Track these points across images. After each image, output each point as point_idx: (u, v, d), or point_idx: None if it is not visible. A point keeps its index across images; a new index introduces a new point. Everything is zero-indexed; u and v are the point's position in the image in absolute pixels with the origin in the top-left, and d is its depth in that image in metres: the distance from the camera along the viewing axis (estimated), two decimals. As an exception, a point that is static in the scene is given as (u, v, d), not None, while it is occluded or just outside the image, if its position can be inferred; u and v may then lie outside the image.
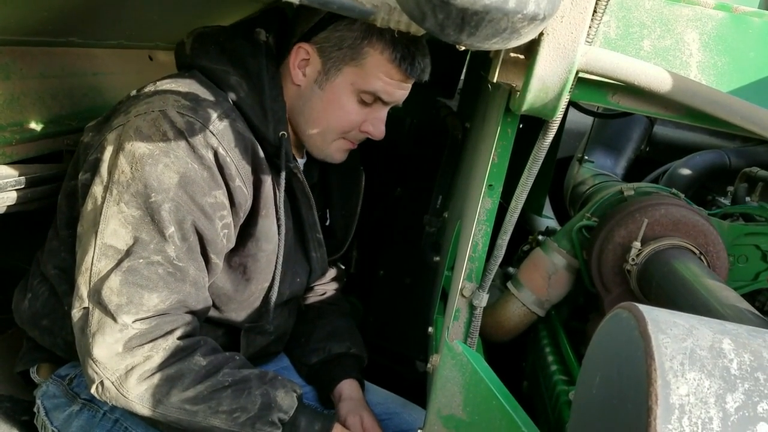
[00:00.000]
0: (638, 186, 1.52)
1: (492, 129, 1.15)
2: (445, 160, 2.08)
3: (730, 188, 2.00)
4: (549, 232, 1.90)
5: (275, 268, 1.38)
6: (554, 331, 1.57)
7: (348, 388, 1.53)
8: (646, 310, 0.64)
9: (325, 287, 1.73)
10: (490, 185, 1.14)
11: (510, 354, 1.68)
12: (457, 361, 1.02)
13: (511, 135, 1.11)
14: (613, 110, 2.29)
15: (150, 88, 1.25)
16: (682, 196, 1.48)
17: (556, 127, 0.93)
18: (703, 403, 0.55)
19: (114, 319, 1.11)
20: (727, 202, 1.99)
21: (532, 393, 1.59)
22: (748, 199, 1.88)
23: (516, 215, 1.07)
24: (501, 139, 1.09)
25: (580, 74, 0.90)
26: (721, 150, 2.29)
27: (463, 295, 1.18)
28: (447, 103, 2.29)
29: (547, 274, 1.49)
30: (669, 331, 0.61)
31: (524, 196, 1.04)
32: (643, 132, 2.37)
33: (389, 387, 1.70)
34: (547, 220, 2.31)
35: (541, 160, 0.98)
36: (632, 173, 2.36)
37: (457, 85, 2.37)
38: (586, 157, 2.18)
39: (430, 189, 2.19)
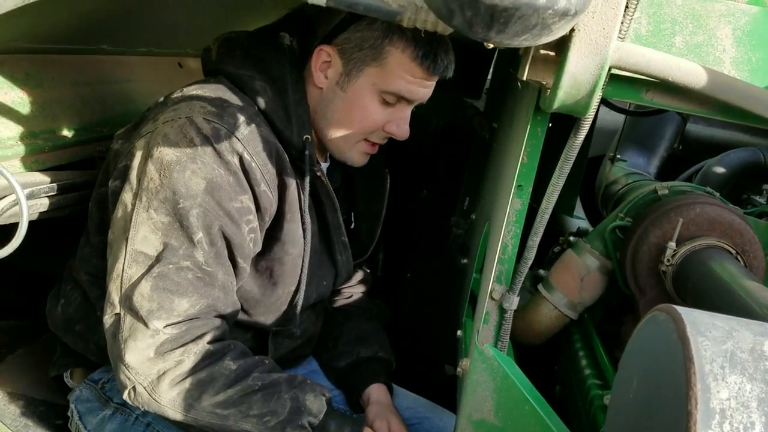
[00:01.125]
0: (672, 185, 1.48)
1: (521, 128, 1.13)
2: (472, 161, 2.06)
3: (766, 186, 1.95)
4: (581, 233, 1.87)
5: (301, 272, 1.38)
6: (587, 334, 1.54)
7: (376, 392, 1.52)
8: (684, 312, 0.62)
9: (352, 290, 1.73)
10: (520, 186, 1.12)
11: (542, 357, 1.65)
12: (487, 365, 1.01)
13: (540, 134, 1.09)
14: (645, 108, 2.25)
15: (177, 94, 1.25)
16: (718, 194, 1.45)
17: (588, 126, 0.91)
18: (744, 407, 0.53)
19: (146, 324, 1.12)
20: (762, 200, 1.94)
21: (565, 397, 1.56)
22: (785, 197, 1.84)
23: (547, 216, 1.05)
24: (530, 139, 1.08)
25: (613, 71, 0.88)
26: (756, 147, 2.23)
27: (492, 298, 1.16)
28: (474, 103, 2.27)
29: (579, 275, 1.47)
30: (708, 334, 0.59)
31: (555, 196, 1.02)
32: (675, 130, 2.32)
33: (418, 391, 1.68)
34: (579, 220, 2.27)
35: (573, 160, 0.96)
36: (665, 172, 2.31)
37: (483, 85, 2.35)
38: (618, 156, 2.14)
39: (457, 190, 2.18)
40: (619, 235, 1.43)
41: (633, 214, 1.45)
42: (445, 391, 1.80)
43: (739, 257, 1.25)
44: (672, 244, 1.25)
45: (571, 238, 1.77)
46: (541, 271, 1.64)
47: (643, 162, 2.22)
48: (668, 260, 1.25)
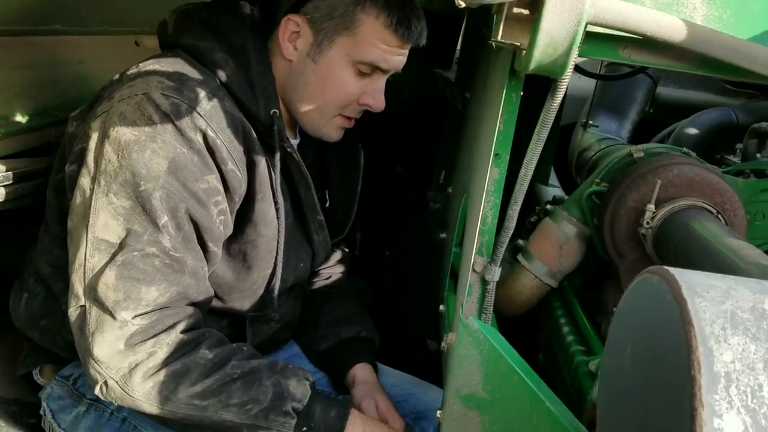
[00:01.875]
0: (648, 147, 1.47)
1: (496, 95, 1.10)
2: (446, 133, 2.03)
3: (739, 146, 1.95)
4: (556, 201, 1.86)
5: (276, 254, 1.33)
6: (568, 301, 1.53)
7: (361, 372, 1.49)
8: (677, 272, 0.59)
9: (330, 271, 1.69)
10: (497, 154, 1.09)
11: (523, 327, 1.64)
12: (473, 338, 0.98)
13: (516, 100, 1.06)
14: (618, 71, 2.23)
15: (133, 70, 1.19)
16: (694, 154, 1.44)
17: (565, 87, 0.88)
18: (750, 369, 0.51)
19: (112, 316, 1.07)
20: (736, 159, 1.94)
21: (549, 365, 1.56)
22: (758, 155, 1.84)
23: (526, 183, 1.02)
24: (506, 105, 1.04)
25: (589, 28, 0.85)
26: (728, 107, 2.23)
27: (474, 271, 1.14)
28: (444, 74, 2.23)
29: (558, 244, 1.46)
30: (705, 294, 0.56)
31: (534, 163, 0.99)
32: (647, 93, 2.31)
33: (402, 367, 1.67)
34: (553, 189, 2.26)
35: (551, 124, 0.93)
36: (637, 136, 2.30)
37: (453, 55, 2.31)
38: (590, 122, 2.12)
39: (432, 164, 2.15)
40: (596, 200, 1.42)
41: (609, 179, 1.43)
42: (430, 366, 1.79)
43: (719, 216, 1.24)
44: (651, 207, 1.24)
45: (548, 207, 1.76)
46: (520, 241, 1.63)
47: (616, 127, 2.20)
48: (647, 223, 1.24)
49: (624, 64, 2.18)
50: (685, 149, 1.46)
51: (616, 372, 0.67)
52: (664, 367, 0.55)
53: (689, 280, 0.58)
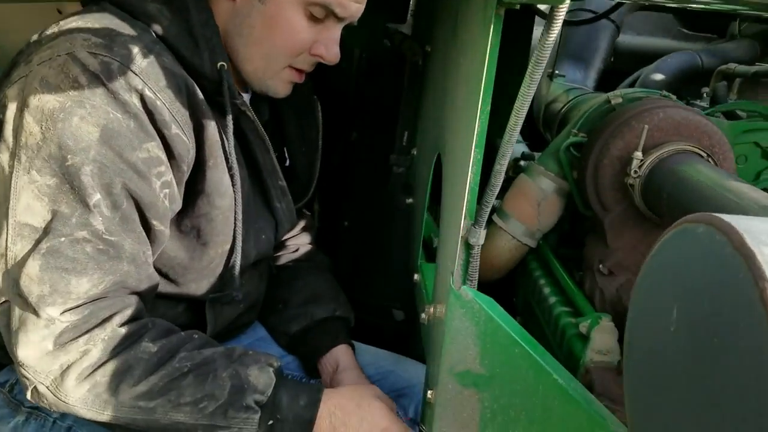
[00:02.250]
0: (625, 93, 1.39)
1: (477, 39, 0.98)
2: (406, 92, 1.91)
3: (705, 89, 1.90)
4: (527, 157, 1.77)
5: (234, 227, 1.20)
6: (546, 261, 1.46)
7: (343, 356, 1.38)
8: (732, 219, 0.50)
9: (296, 242, 1.56)
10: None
11: (496, 289, 1.57)
12: (467, 309, 0.88)
13: (496, 44, 0.94)
14: (578, 17, 2.14)
15: (53, 29, 1.03)
16: (674, 97, 1.36)
17: (563, 17, 0.77)
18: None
19: (36, 313, 0.93)
20: (704, 104, 1.89)
21: (529, 329, 1.48)
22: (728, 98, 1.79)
23: (515, 134, 0.92)
24: (491, 51, 0.92)
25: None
26: (691, 51, 2.17)
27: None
28: (400, 28, 2.09)
29: (536, 201, 1.38)
30: (772, 242, 0.46)
31: (525, 109, 0.88)
32: (610, 39, 2.22)
33: (370, 339, 1.57)
34: (520, 145, 2.17)
35: (545, 62, 0.82)
36: (601, 86, 2.23)
37: (408, 8, 2.17)
38: (557, 72, 2.03)
39: (393, 126, 2.03)
40: (575, 152, 1.33)
41: (587, 129, 1.35)
42: (397, 337, 1.69)
43: (709, 159, 1.17)
44: (638, 154, 1.16)
45: (522, 163, 1.68)
46: (494, 201, 1.54)
47: (581, 76, 2.11)
48: (635, 172, 1.16)
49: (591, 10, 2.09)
50: (664, 92, 1.39)
51: (654, 339, 0.57)
52: (734, 334, 0.45)
53: (748, 227, 0.48)
